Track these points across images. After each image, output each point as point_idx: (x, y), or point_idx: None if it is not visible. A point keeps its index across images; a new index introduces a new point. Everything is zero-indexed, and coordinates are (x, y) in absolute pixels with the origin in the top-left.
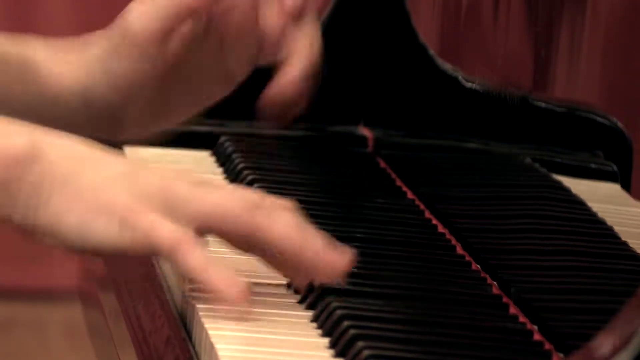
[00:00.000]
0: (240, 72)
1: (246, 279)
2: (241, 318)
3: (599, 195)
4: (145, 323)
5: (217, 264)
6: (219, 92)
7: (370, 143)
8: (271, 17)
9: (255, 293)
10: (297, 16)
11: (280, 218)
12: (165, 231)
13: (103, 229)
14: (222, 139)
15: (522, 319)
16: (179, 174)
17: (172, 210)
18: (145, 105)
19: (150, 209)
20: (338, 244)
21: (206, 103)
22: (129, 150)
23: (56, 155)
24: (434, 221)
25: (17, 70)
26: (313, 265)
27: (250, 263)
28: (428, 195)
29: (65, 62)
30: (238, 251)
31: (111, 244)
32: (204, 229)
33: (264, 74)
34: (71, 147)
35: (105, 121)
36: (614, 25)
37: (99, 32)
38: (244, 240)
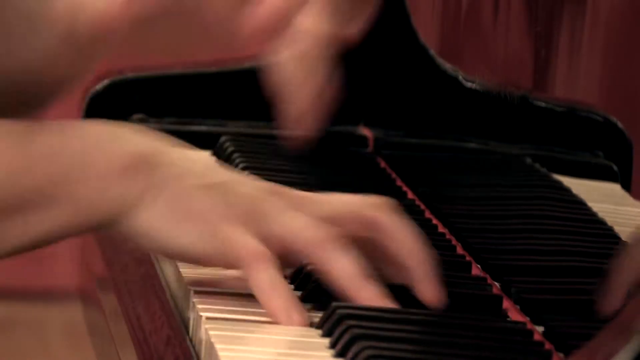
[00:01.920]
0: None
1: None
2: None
3: (599, 195)
4: (145, 323)
5: (283, 289)
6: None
7: (370, 143)
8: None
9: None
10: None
11: (339, 260)
12: (242, 245)
13: (189, 236)
14: (222, 139)
15: (522, 319)
16: (273, 188)
17: (255, 225)
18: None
19: (237, 222)
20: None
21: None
22: (196, 152)
23: (168, 169)
24: (434, 221)
25: None
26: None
27: None
28: (428, 195)
29: None
30: None
31: (195, 252)
32: (280, 250)
33: (264, 74)
34: (181, 156)
35: None
36: (614, 25)
37: None
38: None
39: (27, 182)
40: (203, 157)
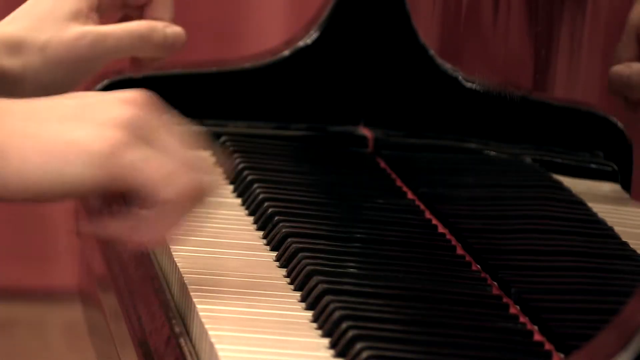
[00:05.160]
0: None
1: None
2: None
3: (599, 195)
4: (145, 323)
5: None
6: None
7: (370, 143)
8: None
9: (255, 293)
10: None
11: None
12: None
13: (75, 169)
14: (222, 139)
15: (522, 319)
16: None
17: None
18: None
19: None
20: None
21: None
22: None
23: (5, 114)
24: (434, 221)
25: None
26: None
27: (250, 263)
28: (428, 195)
29: None
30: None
31: (89, 181)
32: None
33: (264, 74)
34: (14, 103)
35: None
36: (614, 25)
37: None
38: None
39: None
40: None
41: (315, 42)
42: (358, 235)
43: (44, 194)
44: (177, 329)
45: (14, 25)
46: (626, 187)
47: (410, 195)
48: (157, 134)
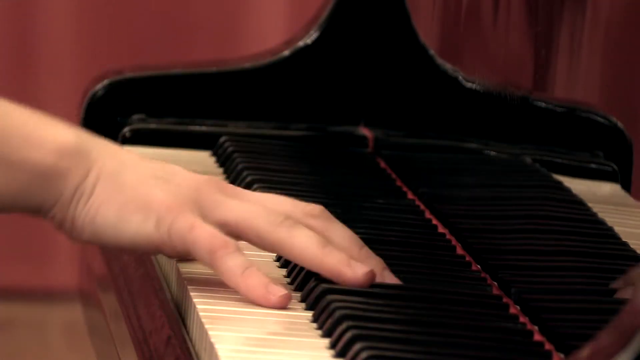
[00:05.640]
0: None
1: (282, 286)
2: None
3: (599, 195)
4: (145, 323)
5: (253, 271)
6: None
7: (370, 143)
8: None
9: None
10: None
11: (302, 234)
12: (205, 232)
13: (139, 224)
14: (222, 139)
15: (522, 319)
16: (211, 179)
17: (203, 213)
18: None
19: (186, 209)
20: (369, 252)
21: None
22: (127, 149)
23: (101, 154)
24: (434, 221)
25: None
26: (333, 278)
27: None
28: (428, 195)
29: None
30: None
31: (146, 239)
32: (232, 236)
33: (264, 74)
34: (114, 149)
35: None
36: (614, 25)
37: None
38: (270, 249)
39: None
40: (128, 150)
41: (315, 42)
42: (358, 235)
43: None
44: (177, 329)
45: None
46: (626, 187)
47: (410, 195)
48: None
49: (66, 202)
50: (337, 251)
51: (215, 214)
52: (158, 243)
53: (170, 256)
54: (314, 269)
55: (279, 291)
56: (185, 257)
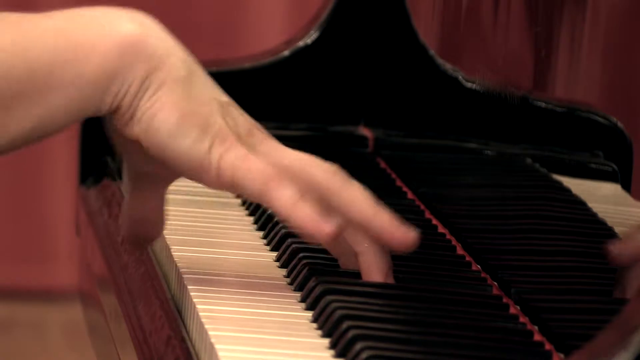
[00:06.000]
0: None
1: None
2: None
3: (599, 195)
4: (145, 323)
5: (306, 203)
6: None
7: (370, 143)
8: None
9: (255, 293)
10: None
11: (356, 187)
12: (258, 164)
13: (195, 140)
14: None
15: (522, 319)
16: (260, 126)
17: (257, 152)
18: None
19: (240, 143)
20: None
21: None
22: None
23: (172, 57)
24: (434, 221)
25: None
26: (379, 233)
27: (250, 263)
28: (428, 195)
29: None
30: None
31: (195, 157)
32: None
33: (264, 74)
34: (184, 55)
35: None
36: (614, 25)
37: None
38: (315, 198)
39: (28, 64)
40: (193, 58)
41: (315, 42)
42: None
43: None
44: (177, 329)
45: None
46: (626, 187)
47: (410, 195)
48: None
49: (126, 97)
50: (387, 213)
51: (268, 156)
52: (205, 166)
53: (207, 185)
54: (363, 222)
55: (328, 222)
56: (225, 188)
